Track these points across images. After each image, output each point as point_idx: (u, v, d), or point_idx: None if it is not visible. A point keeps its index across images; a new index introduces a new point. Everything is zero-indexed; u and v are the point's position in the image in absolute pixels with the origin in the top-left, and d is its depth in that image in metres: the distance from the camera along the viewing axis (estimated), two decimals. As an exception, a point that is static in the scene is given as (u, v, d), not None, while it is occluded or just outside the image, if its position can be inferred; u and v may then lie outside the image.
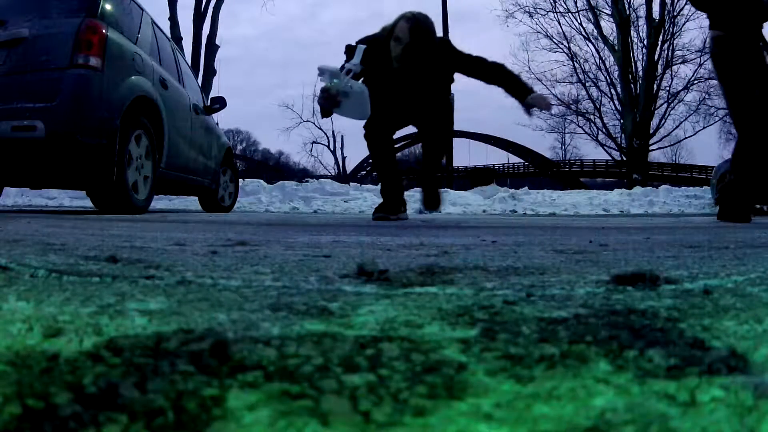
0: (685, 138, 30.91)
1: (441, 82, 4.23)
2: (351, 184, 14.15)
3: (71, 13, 4.25)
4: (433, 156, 4.48)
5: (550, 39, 28.40)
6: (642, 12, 26.55)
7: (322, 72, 3.67)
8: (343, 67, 3.71)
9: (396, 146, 4.75)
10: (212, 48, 23.04)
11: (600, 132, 29.19)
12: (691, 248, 1.78)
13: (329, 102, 3.66)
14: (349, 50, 3.83)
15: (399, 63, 4.03)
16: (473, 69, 4.18)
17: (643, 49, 26.65)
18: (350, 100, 3.64)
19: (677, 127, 29.30)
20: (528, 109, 4.04)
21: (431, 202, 4.56)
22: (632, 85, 26.34)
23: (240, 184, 8.96)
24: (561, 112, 30.08)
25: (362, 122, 4.17)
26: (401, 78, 4.09)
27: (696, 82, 28.12)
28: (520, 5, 28.16)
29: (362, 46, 3.76)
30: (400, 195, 4.29)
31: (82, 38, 4.06)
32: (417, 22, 3.96)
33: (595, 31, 27.25)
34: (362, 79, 3.91)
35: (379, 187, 4.39)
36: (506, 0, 36.12)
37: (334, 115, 3.87)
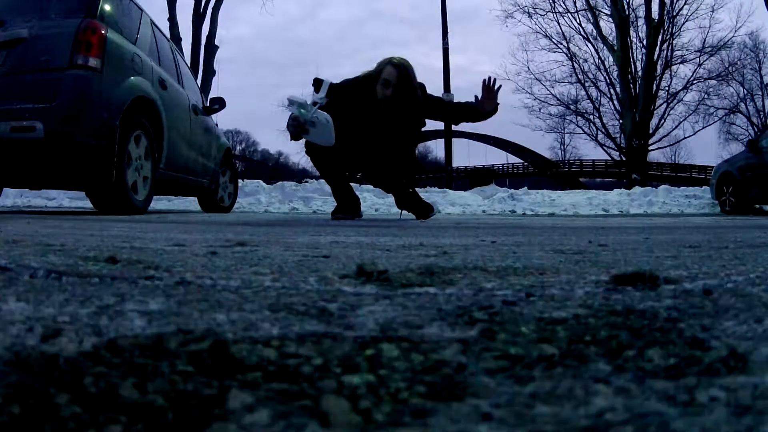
0: (685, 138, 31.01)
1: (415, 128, 4.52)
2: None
3: (70, 13, 4.25)
4: (400, 184, 4.73)
5: (550, 39, 28.44)
6: (641, 12, 26.59)
7: (291, 102, 3.99)
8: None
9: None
10: (211, 48, 23.03)
11: (599, 132, 29.25)
12: (690, 248, 1.78)
13: (298, 129, 3.98)
14: (317, 84, 4.11)
15: (385, 105, 4.24)
16: (441, 113, 4.61)
17: (643, 49, 26.68)
18: (316, 129, 3.96)
19: (676, 127, 29.37)
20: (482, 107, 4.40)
21: (422, 212, 4.74)
22: (631, 85, 26.35)
23: (239, 184, 8.95)
24: (560, 112, 30.14)
25: None
26: (380, 121, 4.30)
27: (695, 82, 28.19)
28: (519, 5, 28.18)
29: (328, 81, 4.06)
30: (352, 195, 4.61)
31: (82, 39, 4.06)
32: (404, 67, 4.24)
33: (595, 31, 27.28)
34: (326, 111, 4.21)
35: (332, 190, 4.75)
36: (505, 0, 36.07)
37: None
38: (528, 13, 27.98)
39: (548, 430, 0.38)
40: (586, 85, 28.69)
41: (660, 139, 28.88)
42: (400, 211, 4.92)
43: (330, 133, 3.96)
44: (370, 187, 12.17)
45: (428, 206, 4.75)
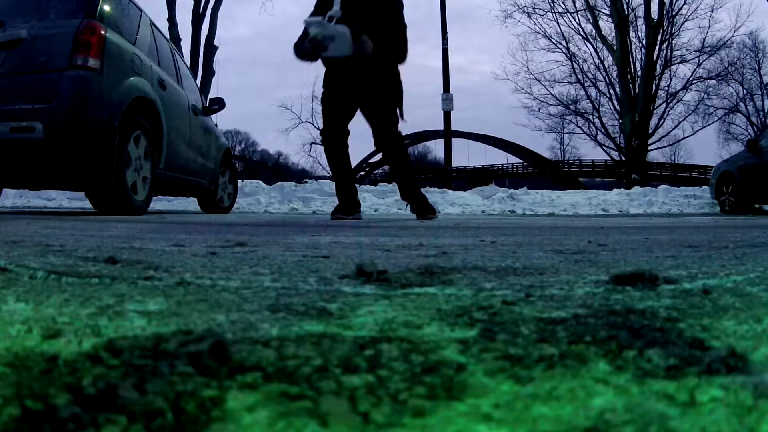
0: (684, 138, 30.99)
1: (391, 34, 4.46)
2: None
3: (70, 14, 4.25)
4: (397, 162, 4.66)
5: (549, 39, 28.41)
6: (640, 12, 26.56)
7: (310, 24, 4.09)
8: (325, 15, 4.16)
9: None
10: (211, 49, 23.00)
11: (599, 132, 29.23)
12: (690, 248, 1.78)
13: (317, 48, 4.09)
14: (322, 1, 4.27)
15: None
16: (393, 18, 4.48)
17: (642, 49, 26.65)
18: (335, 42, 4.08)
19: (676, 126, 29.35)
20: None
21: (421, 209, 4.64)
22: (631, 85, 26.32)
23: (239, 184, 8.95)
24: (560, 112, 30.13)
25: (351, 124, 4.58)
26: (359, 12, 4.32)
27: (695, 81, 28.18)
28: (518, 5, 28.15)
29: None
30: (354, 196, 4.65)
31: (81, 39, 4.06)
32: None
33: (594, 31, 27.24)
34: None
35: (335, 188, 4.73)
36: (505, 0, 36.06)
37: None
38: (527, 13, 27.95)
39: (548, 431, 0.38)
40: (586, 85, 28.68)
41: (659, 139, 28.88)
42: (405, 203, 4.90)
43: (348, 42, 4.09)
44: (370, 187, 12.16)
45: (430, 208, 4.69)
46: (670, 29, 26.67)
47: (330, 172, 4.80)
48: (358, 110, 4.57)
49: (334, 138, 4.51)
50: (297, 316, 0.69)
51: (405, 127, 4.70)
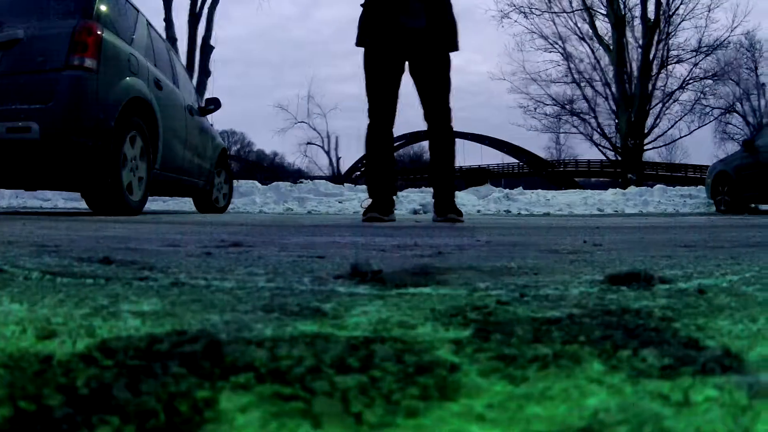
0: (680, 137, 31.04)
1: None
2: (345, 184, 14.17)
3: (66, 14, 4.24)
4: (446, 140, 4.15)
5: (546, 39, 28.43)
6: (637, 12, 26.61)
7: None
8: None
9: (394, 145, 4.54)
10: (207, 49, 23.01)
11: (595, 132, 29.25)
12: (685, 247, 1.78)
13: None
14: None
15: None
16: None
17: (638, 49, 26.69)
18: None
19: (672, 126, 29.38)
20: None
21: (449, 207, 4.14)
22: (627, 85, 26.37)
23: (234, 185, 8.94)
24: (556, 112, 30.15)
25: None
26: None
27: (691, 81, 28.23)
28: (515, 5, 28.17)
29: None
30: (392, 194, 4.15)
31: (77, 39, 4.05)
32: None
33: (590, 31, 27.29)
34: None
35: (370, 182, 4.22)
36: (501, 0, 36.05)
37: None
38: (524, 13, 27.98)
39: (542, 431, 0.38)
40: (582, 85, 28.71)
41: (655, 139, 28.92)
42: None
43: None
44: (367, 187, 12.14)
45: (454, 205, 4.14)
46: (666, 29, 26.72)
47: (367, 160, 4.16)
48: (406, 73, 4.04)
49: (383, 117, 4.00)
50: (291, 317, 0.69)
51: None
